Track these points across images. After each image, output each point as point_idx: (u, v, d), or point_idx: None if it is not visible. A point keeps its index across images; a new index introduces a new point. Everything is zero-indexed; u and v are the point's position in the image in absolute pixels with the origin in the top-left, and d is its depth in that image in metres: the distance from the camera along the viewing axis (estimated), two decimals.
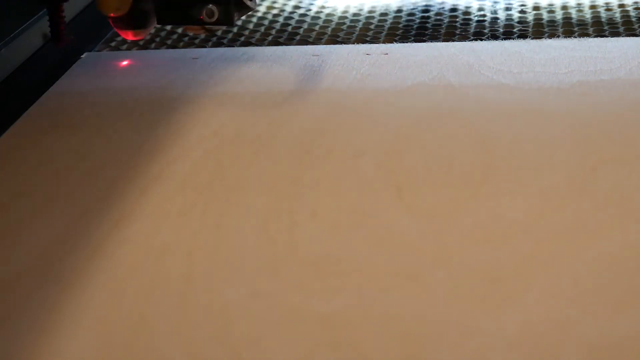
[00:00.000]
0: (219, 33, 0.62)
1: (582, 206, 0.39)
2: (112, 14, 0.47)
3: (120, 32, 0.51)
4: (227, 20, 0.49)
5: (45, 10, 0.57)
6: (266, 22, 0.65)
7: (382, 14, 0.65)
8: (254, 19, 0.66)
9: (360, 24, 0.63)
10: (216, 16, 0.48)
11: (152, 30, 0.49)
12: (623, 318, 0.32)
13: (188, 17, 0.49)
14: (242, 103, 0.50)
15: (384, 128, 0.46)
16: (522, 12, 0.64)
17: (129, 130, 0.48)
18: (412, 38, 0.60)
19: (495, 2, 0.66)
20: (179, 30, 0.64)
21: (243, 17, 0.53)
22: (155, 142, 0.46)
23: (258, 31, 0.63)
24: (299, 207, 0.40)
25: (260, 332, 0.32)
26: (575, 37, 0.58)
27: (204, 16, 0.48)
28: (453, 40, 0.59)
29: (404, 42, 0.59)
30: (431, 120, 0.47)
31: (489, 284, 0.34)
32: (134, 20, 0.48)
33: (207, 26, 0.49)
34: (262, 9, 0.68)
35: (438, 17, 0.64)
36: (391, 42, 0.59)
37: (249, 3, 0.48)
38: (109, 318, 0.34)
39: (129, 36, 0.52)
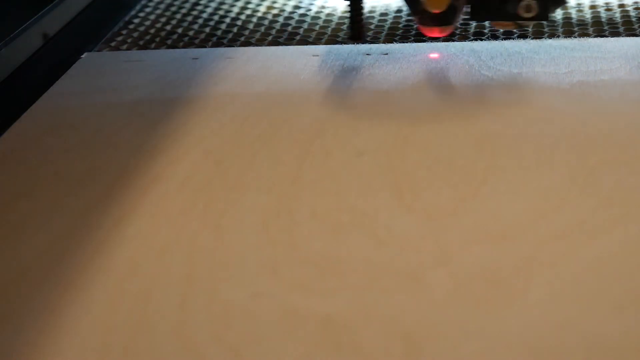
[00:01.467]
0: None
1: (582, 206, 0.39)
2: (437, 11, 0.48)
3: (424, 28, 0.51)
4: (543, 15, 0.49)
5: (45, 10, 0.57)
6: (266, 22, 0.65)
7: (382, 14, 0.65)
8: (254, 19, 0.66)
9: None
10: (535, 11, 0.48)
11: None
12: (623, 318, 0.32)
13: (503, 12, 0.49)
14: (242, 103, 0.50)
15: (384, 128, 0.46)
16: None
17: (129, 130, 0.48)
18: (412, 38, 0.60)
19: None
20: (179, 30, 0.64)
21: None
22: (155, 142, 0.46)
23: (258, 31, 0.63)
24: (299, 207, 0.40)
25: (260, 332, 0.32)
26: (575, 37, 0.58)
27: (520, 11, 0.48)
28: (453, 40, 0.59)
29: (404, 42, 0.59)
30: (431, 120, 0.47)
31: (489, 284, 0.34)
32: (445, 17, 0.49)
33: (520, 21, 0.49)
34: (262, 9, 0.68)
35: None
36: (391, 42, 0.59)
37: None
38: (109, 318, 0.34)
39: (434, 33, 0.51)
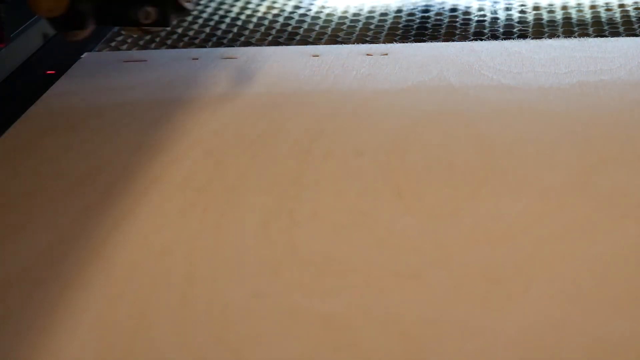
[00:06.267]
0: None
1: (582, 206, 0.39)
2: (45, 16, 0.47)
3: (58, 33, 0.51)
4: (163, 21, 0.49)
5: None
6: (266, 22, 0.65)
7: (382, 14, 0.65)
8: (254, 19, 0.66)
9: (360, 24, 0.63)
10: (153, 18, 0.49)
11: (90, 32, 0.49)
12: (623, 318, 0.32)
13: (126, 18, 0.49)
14: (242, 103, 0.50)
15: (384, 128, 0.46)
16: (522, 12, 0.64)
17: (129, 130, 0.48)
18: (412, 38, 0.60)
19: (495, 2, 0.66)
20: (179, 30, 0.64)
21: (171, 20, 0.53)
22: (155, 142, 0.46)
23: (258, 31, 0.63)
24: (299, 207, 0.40)
25: (260, 332, 0.32)
26: (575, 37, 0.58)
27: (141, 17, 0.48)
28: (453, 40, 0.59)
29: (404, 42, 0.59)
30: (431, 120, 0.47)
31: (489, 284, 0.34)
32: (71, 22, 0.48)
33: (144, 27, 0.49)
34: (262, 9, 0.68)
35: (438, 17, 0.64)
36: (391, 42, 0.59)
37: (186, 5, 0.49)
38: (109, 318, 0.34)
39: (67, 37, 0.51)
